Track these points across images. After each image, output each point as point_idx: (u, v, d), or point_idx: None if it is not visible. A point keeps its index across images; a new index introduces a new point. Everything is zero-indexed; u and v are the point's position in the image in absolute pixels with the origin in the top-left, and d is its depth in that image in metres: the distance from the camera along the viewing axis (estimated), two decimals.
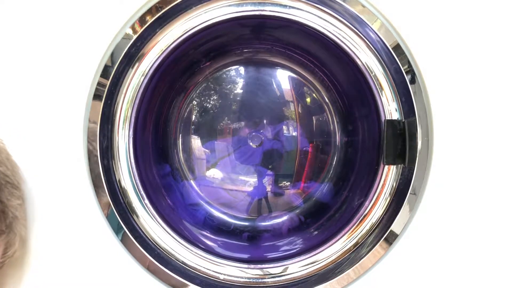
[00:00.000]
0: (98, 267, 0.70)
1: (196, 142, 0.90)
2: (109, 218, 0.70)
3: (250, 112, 0.89)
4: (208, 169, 0.91)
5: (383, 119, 0.71)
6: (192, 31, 0.68)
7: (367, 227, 0.72)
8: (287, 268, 0.73)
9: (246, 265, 0.73)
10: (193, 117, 0.89)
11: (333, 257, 0.72)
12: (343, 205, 0.82)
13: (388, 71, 0.69)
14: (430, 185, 0.69)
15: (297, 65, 0.89)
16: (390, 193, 0.71)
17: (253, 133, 0.89)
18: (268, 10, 0.69)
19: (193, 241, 0.74)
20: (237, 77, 0.90)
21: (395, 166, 0.71)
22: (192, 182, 0.90)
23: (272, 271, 0.73)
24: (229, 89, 0.89)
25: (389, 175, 0.71)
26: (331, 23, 0.69)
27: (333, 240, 0.73)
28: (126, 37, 0.67)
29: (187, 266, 0.72)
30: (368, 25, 0.69)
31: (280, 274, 0.73)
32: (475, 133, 0.69)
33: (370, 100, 0.72)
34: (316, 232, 0.82)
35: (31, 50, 0.66)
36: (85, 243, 0.70)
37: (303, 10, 0.69)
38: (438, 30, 0.67)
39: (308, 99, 0.91)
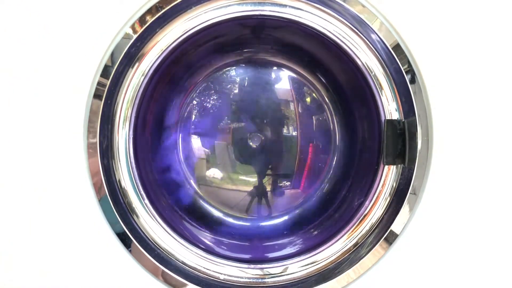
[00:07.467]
0: (98, 267, 0.70)
1: (196, 142, 0.90)
2: (109, 218, 0.70)
3: (250, 112, 0.89)
4: (208, 169, 0.91)
5: (383, 119, 0.71)
6: (192, 31, 0.68)
7: (367, 227, 0.72)
8: (287, 268, 0.73)
9: (246, 265, 0.73)
10: (193, 117, 0.89)
11: (333, 257, 0.72)
12: (343, 205, 0.82)
13: (388, 71, 0.69)
14: (430, 185, 0.69)
15: (297, 65, 0.89)
16: (390, 193, 0.71)
17: (253, 133, 0.89)
18: (267, 10, 0.69)
19: (193, 241, 0.74)
20: (237, 77, 0.90)
21: (395, 166, 0.71)
22: (192, 181, 0.90)
23: (272, 271, 0.73)
24: (229, 89, 0.89)
25: (389, 175, 0.71)
26: (331, 23, 0.69)
27: (333, 240, 0.73)
28: (126, 37, 0.67)
29: (187, 266, 0.72)
30: (368, 25, 0.69)
31: (280, 274, 0.73)
32: (475, 133, 0.69)
33: (370, 100, 0.72)
34: (316, 232, 0.82)
35: (31, 50, 0.66)
36: (84, 243, 0.70)
37: (303, 10, 0.69)
38: (438, 30, 0.67)
39: (308, 99, 0.91)
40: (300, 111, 0.90)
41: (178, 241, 0.72)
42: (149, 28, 0.68)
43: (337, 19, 0.68)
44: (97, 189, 0.69)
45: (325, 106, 0.89)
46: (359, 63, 0.70)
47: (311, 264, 0.73)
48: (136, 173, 0.71)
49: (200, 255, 0.73)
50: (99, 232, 0.70)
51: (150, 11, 0.67)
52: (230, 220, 0.90)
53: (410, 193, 0.70)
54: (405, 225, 0.71)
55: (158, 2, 0.67)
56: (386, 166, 0.71)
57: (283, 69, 0.89)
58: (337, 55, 0.73)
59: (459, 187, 0.70)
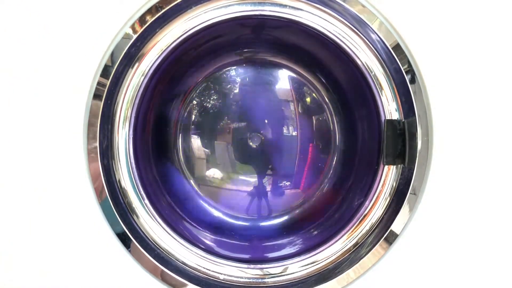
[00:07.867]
0: (98, 267, 0.70)
1: (196, 142, 0.90)
2: (109, 218, 0.70)
3: (250, 112, 0.89)
4: (208, 168, 0.91)
5: (383, 119, 0.71)
6: (192, 31, 0.68)
7: (367, 227, 0.72)
8: (287, 268, 0.73)
9: (246, 265, 0.73)
10: (193, 117, 0.89)
11: (333, 257, 0.72)
12: (343, 205, 0.82)
13: (388, 71, 0.69)
14: (430, 185, 0.69)
15: (297, 65, 0.89)
16: (390, 193, 0.71)
17: (253, 133, 0.89)
18: (268, 10, 0.69)
19: (193, 241, 0.74)
20: (237, 77, 0.90)
21: (395, 166, 0.71)
22: (192, 181, 0.90)
23: (272, 271, 0.73)
24: (229, 89, 0.89)
25: (389, 175, 0.71)
26: (331, 23, 0.69)
27: (333, 240, 0.73)
28: (126, 37, 0.67)
29: (187, 266, 0.72)
30: (368, 25, 0.69)
31: (280, 274, 0.73)
32: (475, 133, 0.69)
33: (370, 100, 0.72)
34: (316, 232, 0.82)
35: (31, 49, 0.66)
36: (84, 243, 0.70)
37: (303, 10, 0.69)
38: (438, 30, 0.67)
39: (308, 99, 0.91)
40: (300, 111, 0.90)
41: (178, 241, 0.72)
42: (149, 28, 0.68)
43: (337, 19, 0.68)
44: (98, 193, 0.69)
45: (325, 106, 0.89)
46: (359, 63, 0.70)
47: (311, 264, 0.73)
48: (136, 173, 0.71)
49: (200, 255, 0.73)
50: (99, 232, 0.70)
51: (150, 11, 0.67)
52: (230, 220, 0.90)
53: (410, 193, 0.70)
54: (405, 225, 0.71)
55: (158, 2, 0.67)
56: (386, 166, 0.71)
57: (283, 69, 0.89)
58: (337, 55, 0.73)
59: (459, 187, 0.70)
